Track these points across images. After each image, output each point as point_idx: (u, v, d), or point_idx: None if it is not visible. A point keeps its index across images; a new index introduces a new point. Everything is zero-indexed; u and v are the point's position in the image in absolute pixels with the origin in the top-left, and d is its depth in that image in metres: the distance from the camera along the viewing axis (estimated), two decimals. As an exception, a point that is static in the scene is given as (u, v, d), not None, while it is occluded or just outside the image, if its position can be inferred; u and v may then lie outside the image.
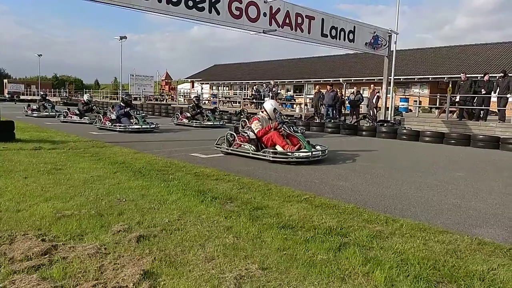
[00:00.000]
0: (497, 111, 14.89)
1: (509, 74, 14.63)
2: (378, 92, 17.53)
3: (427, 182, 5.82)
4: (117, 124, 12.55)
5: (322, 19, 13.67)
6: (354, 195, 4.91)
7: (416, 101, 19.50)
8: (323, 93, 19.06)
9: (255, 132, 7.64)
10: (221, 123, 15.65)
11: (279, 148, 7.31)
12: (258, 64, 43.01)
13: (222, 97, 31.78)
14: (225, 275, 2.47)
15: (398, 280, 2.50)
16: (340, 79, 30.05)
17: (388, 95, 16.69)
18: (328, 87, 17.66)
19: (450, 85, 19.36)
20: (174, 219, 3.58)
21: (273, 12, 12.17)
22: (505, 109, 14.16)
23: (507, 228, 3.79)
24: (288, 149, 7.20)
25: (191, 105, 16.73)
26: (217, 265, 2.63)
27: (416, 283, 2.46)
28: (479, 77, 15.53)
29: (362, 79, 28.36)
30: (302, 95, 24.02)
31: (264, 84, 26.19)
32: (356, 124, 14.72)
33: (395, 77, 22.40)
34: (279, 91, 27.19)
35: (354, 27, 14.66)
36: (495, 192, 5.32)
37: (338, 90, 18.64)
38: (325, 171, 6.54)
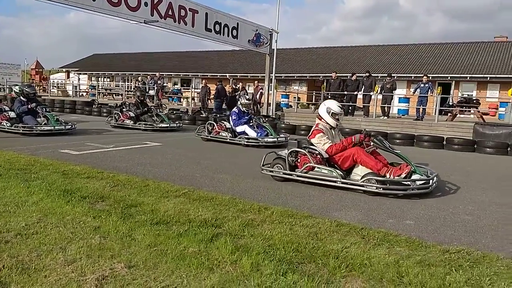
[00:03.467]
0: (362, 107, 16.75)
1: (373, 74, 16.58)
2: (262, 88, 18.28)
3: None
4: (20, 125, 9.45)
5: (206, 14, 13.69)
6: (233, 187, 5.05)
7: (295, 97, 20.83)
8: (210, 87, 19.19)
9: (323, 148, 5.40)
10: (178, 125, 12.42)
11: (360, 170, 5.14)
12: (143, 55, 41.23)
13: (102, 89, 29.71)
14: (86, 277, 2.33)
15: (264, 264, 2.65)
16: (227, 74, 30.56)
17: (270, 92, 17.51)
18: (231, 83, 17.80)
19: (324, 83, 21.15)
20: (33, 222, 3.24)
21: (155, 2, 11.77)
22: (369, 105, 15.99)
23: (362, 210, 4.30)
24: (391, 174, 4.94)
25: (133, 102, 13.14)
26: (78, 267, 2.46)
27: (279, 266, 2.63)
28: (348, 77, 17.26)
29: (248, 76, 29.27)
30: (190, 89, 23.78)
31: (149, 76, 25.28)
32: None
33: (276, 75, 23.54)
34: (165, 84, 26.52)
35: (238, 23, 15.01)
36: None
37: (241, 85, 18.87)
38: (206, 164, 6.60)
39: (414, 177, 4.99)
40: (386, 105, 15.46)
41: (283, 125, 13.19)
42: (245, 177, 5.67)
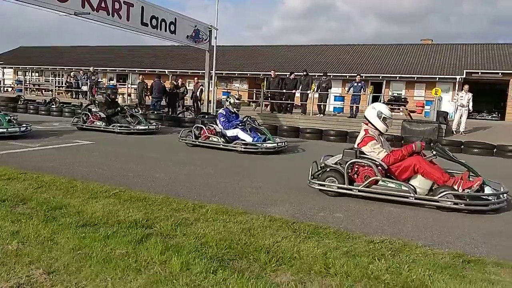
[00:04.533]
0: (300, 105, 17.20)
1: (310, 74, 17.06)
2: (202, 85, 18.08)
3: (234, 170, 6.30)
4: None
5: (142, 7, 13.23)
6: (168, 186, 4.94)
7: (236, 95, 20.89)
8: (147, 83, 18.59)
9: (378, 158, 4.83)
10: (156, 126, 11.27)
11: (418, 182, 4.63)
12: (76, 49, 39.00)
13: (29, 83, 27.68)
14: (-3, 287, 2.15)
15: (194, 263, 2.62)
16: (166, 70, 29.85)
17: (210, 89, 17.37)
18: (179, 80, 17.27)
19: (264, 81, 21.41)
20: None
21: (86, -7, 11.14)
22: (306, 104, 16.45)
23: (295, 205, 4.41)
24: (459, 186, 4.48)
25: (102, 101, 11.38)
26: (-11, 277, 2.26)
27: (210, 264, 2.62)
28: (287, 75, 17.60)
29: (188, 72, 28.81)
30: (126, 85, 22.91)
31: (81, 71, 23.97)
32: (179, 116, 14.88)
33: (217, 71, 23.40)
34: (100, 80, 25.30)
35: (175, 18, 14.69)
36: (290, 175, 6.12)
37: (180, 81, 18.37)
38: (141, 163, 6.40)
39: (486, 190, 4.53)
40: (322, 103, 16.00)
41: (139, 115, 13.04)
42: (183, 175, 5.57)
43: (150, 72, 28.52)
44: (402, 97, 21.48)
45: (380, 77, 24.51)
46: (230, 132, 8.36)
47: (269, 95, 17.25)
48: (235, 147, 8.07)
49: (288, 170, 6.61)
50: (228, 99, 8.99)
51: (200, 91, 17.66)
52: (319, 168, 5.05)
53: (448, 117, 14.94)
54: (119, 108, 11.21)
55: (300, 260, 2.83)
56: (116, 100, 11.98)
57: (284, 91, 16.16)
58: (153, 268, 2.52)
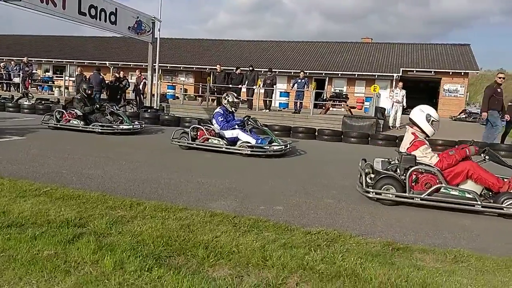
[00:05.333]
0: (247, 100, 17.27)
1: (256, 69, 17.17)
2: (145, 78, 17.56)
3: (178, 165, 6.20)
4: None
5: (80, -5, 12.55)
6: (104, 183, 4.75)
7: (181, 88, 20.53)
8: (86, 76, 17.71)
9: (431, 163, 4.63)
10: (141, 125, 10.23)
11: (469, 187, 4.54)
12: (8, 38, 36.23)
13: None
14: None
15: (128, 262, 2.54)
16: (107, 62, 28.63)
17: (154, 82, 16.92)
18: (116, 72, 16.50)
19: (210, 76, 21.24)
20: None
21: (15, -23, 10.36)
22: (252, 99, 16.55)
23: (237, 199, 4.43)
24: None
25: (78, 97, 10.17)
26: None
27: (145, 262, 2.55)
28: (233, 70, 17.58)
29: (130, 64, 27.85)
30: (63, 77, 21.63)
31: (13, 62, 22.29)
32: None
33: (162, 64, 22.85)
34: (34, 71, 23.72)
35: (116, 9, 14.11)
36: (236, 168, 6.14)
37: (122, 73, 17.58)
38: (76, 159, 6.10)
39: None
40: (268, 99, 16.18)
41: (166, 117, 12.88)
42: (119, 171, 5.38)
43: (90, 64, 27.29)
44: (344, 93, 22.31)
45: (323, 74, 25.29)
46: (229, 133, 7.66)
47: (215, 89, 17.14)
48: (239, 150, 7.39)
49: (234, 163, 6.62)
50: (226, 97, 8.12)
51: (143, 84, 17.15)
52: (366, 174, 4.76)
53: (386, 112, 15.74)
54: (97, 106, 10.06)
55: (239, 254, 2.84)
56: (93, 96, 10.88)
57: (230, 86, 16.14)
58: (84, 269, 2.41)
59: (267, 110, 15.93)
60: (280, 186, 5.20)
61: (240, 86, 16.20)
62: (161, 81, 17.46)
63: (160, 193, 4.47)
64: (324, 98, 20.76)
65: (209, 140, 7.65)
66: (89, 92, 10.15)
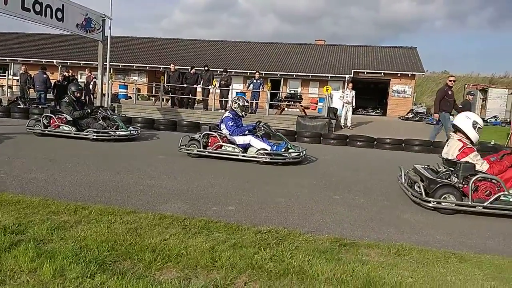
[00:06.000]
0: (202, 101, 17.12)
1: (211, 69, 17.06)
2: (95, 77, 16.92)
3: (127, 167, 6.03)
4: None
5: (22, -10, 11.85)
6: (47, 187, 4.52)
7: (134, 88, 19.98)
8: (31, 75, 16.78)
9: (482, 169, 4.65)
10: (136, 131, 9.34)
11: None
12: None
13: None
14: None
15: (69, 268, 2.43)
16: (54, 61, 27.31)
17: (104, 82, 16.35)
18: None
19: (164, 75, 20.85)
20: None
21: None
22: (207, 99, 16.44)
23: (188, 201, 4.37)
24: None
25: (67, 100, 9.13)
26: None
27: (87, 268, 2.45)
28: (188, 70, 17.34)
29: (80, 63, 26.73)
30: (5, 76, 20.36)
31: None
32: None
33: (114, 63, 22.14)
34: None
35: (63, 5, 13.44)
36: (185, 171, 6.06)
37: (71, 72, 16.74)
38: (17, 163, 5.76)
39: None
40: (223, 99, 16.15)
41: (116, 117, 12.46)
42: (65, 174, 5.14)
43: (35, 63, 25.95)
44: (298, 94, 22.71)
45: (278, 75, 25.59)
46: (240, 139, 7.22)
47: (169, 89, 16.85)
48: (257, 157, 6.98)
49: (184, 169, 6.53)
50: (237, 100, 7.66)
51: (93, 84, 16.53)
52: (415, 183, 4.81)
53: (338, 113, 16.21)
54: (88, 110, 9.15)
55: (187, 256, 2.81)
56: (82, 99, 9.84)
57: (185, 85, 15.94)
58: (20, 278, 2.28)
59: (223, 111, 15.88)
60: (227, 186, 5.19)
61: (195, 86, 16.05)
62: (112, 81, 16.90)
63: (107, 196, 4.30)
64: (280, 98, 21.02)
65: (223, 147, 7.18)
66: (78, 95, 9.21)
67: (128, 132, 8.90)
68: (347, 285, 2.55)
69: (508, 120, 17.30)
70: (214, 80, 15.99)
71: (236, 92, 20.04)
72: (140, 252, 2.80)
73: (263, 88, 16.54)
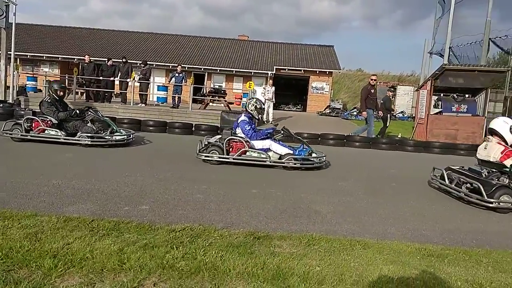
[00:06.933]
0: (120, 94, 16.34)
1: (130, 61, 16.33)
2: (-2, 68, 15.28)
3: (16, 166, 5.56)
4: None
5: None
6: None
7: (44, 80, 18.39)
8: None
9: None
10: (129, 136, 8.12)
11: None
12: None
13: None
14: None
15: (-50, 283, 2.17)
16: None
17: (9, 73, 14.86)
18: None
19: (78, 67, 19.50)
20: None
21: None
22: (126, 92, 15.72)
23: (98, 201, 4.13)
24: None
25: (48, 100, 7.78)
26: None
27: (-27, 281, 2.21)
28: (104, 61, 16.41)
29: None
30: None
31: None
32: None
33: (20, 53, 20.23)
34: None
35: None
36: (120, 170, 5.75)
37: None
38: None
39: None
40: (143, 93, 15.58)
41: (22, 112, 11.41)
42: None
43: None
44: (222, 89, 22.70)
45: (202, 69, 25.33)
46: (259, 144, 6.87)
47: (83, 82, 15.83)
48: (284, 163, 6.70)
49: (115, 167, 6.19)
50: (254, 103, 7.25)
51: (-5, 75, 14.92)
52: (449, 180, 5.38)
53: (260, 108, 16.48)
54: (77, 111, 7.93)
55: (93, 259, 2.66)
56: (65, 99, 8.55)
57: (101, 78, 15.08)
58: None
59: (143, 105, 15.36)
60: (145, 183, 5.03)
61: (112, 78, 15.27)
62: (18, 72, 15.43)
63: (6, 199, 3.93)
64: (204, 93, 20.83)
65: (247, 153, 6.77)
66: (61, 93, 7.99)
67: (125, 137, 7.98)
68: (257, 278, 2.61)
69: (414, 115, 18.99)
70: (133, 72, 15.34)
71: (158, 86, 19.47)
72: (39, 259, 2.60)
73: (186, 82, 16.25)
